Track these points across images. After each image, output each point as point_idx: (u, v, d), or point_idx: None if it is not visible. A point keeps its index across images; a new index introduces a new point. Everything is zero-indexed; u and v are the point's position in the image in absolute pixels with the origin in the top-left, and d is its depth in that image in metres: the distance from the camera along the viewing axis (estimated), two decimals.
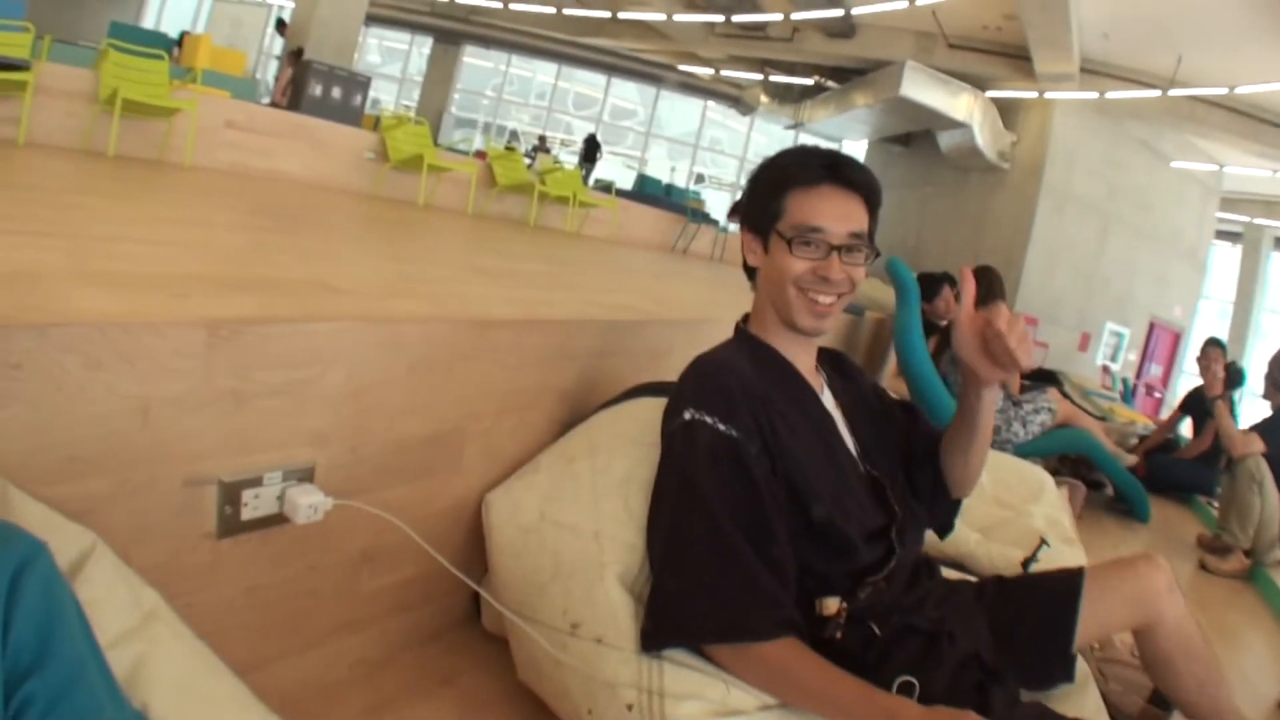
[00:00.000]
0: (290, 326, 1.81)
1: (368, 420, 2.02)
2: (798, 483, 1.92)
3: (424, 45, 32.06)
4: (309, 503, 1.82)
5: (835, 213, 1.98)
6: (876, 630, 1.89)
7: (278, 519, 1.85)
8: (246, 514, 1.79)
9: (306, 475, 1.90)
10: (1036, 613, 2.10)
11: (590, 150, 24.42)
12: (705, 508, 1.82)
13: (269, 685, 1.56)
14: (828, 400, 2.18)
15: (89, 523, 1.38)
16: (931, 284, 6.83)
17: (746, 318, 2.24)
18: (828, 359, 2.32)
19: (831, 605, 1.90)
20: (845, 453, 2.11)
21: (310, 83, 10.22)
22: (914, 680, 1.78)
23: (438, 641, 2.43)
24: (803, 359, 2.14)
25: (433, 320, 2.21)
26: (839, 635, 1.88)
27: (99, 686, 1.01)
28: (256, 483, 1.79)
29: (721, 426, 1.88)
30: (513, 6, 25.92)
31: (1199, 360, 7.97)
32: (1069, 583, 2.11)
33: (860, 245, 1.99)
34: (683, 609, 1.79)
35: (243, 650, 1.80)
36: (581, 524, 2.10)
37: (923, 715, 1.61)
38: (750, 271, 2.20)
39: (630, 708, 1.77)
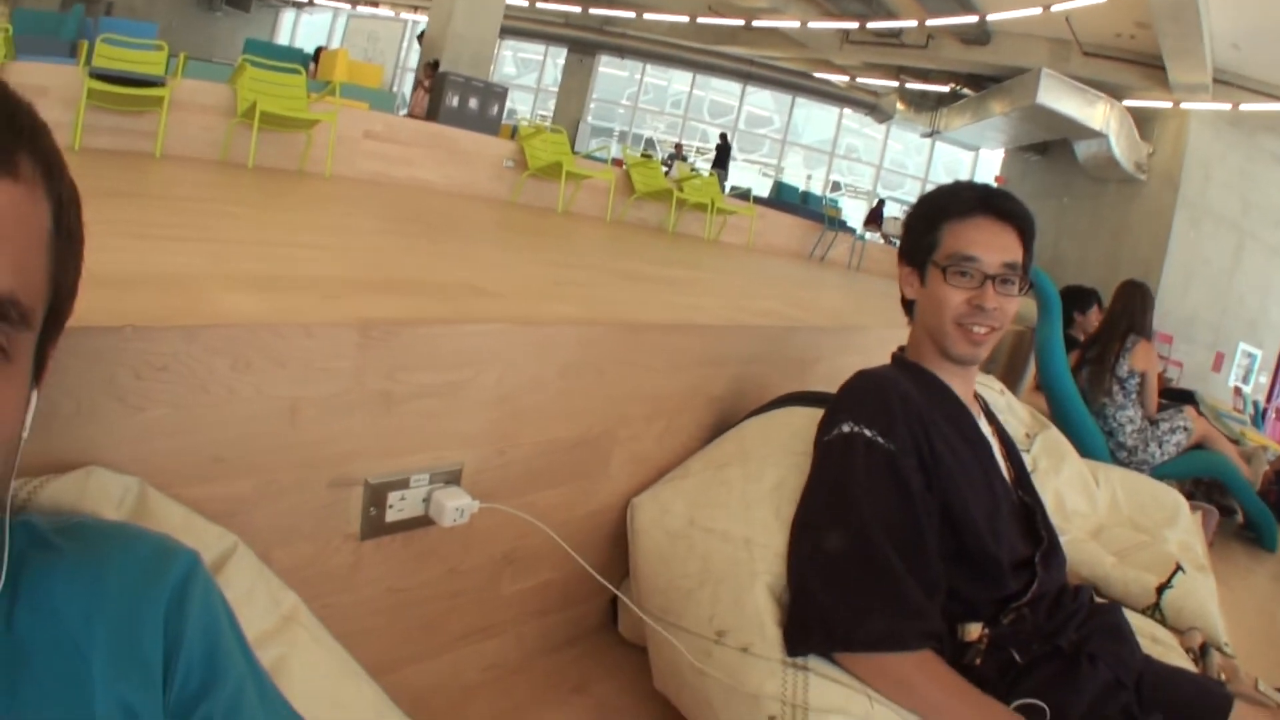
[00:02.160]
0: (443, 328, 1.80)
1: (516, 423, 2.01)
2: (953, 504, 1.92)
3: (558, 56, 32.39)
4: (455, 505, 1.81)
5: (990, 243, 2.03)
6: (1017, 657, 1.85)
7: (422, 521, 1.85)
8: (391, 516, 1.78)
9: (454, 478, 1.88)
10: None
11: (723, 154, 24.23)
12: (859, 518, 1.82)
13: (401, 687, 1.55)
14: (985, 427, 2.17)
15: (231, 524, 1.37)
16: (1085, 297, 6.66)
17: (902, 349, 2.26)
18: (979, 399, 2.33)
19: (974, 631, 1.88)
20: (1000, 479, 2.11)
21: (447, 94, 10.38)
22: (1040, 704, 1.73)
23: (572, 648, 2.40)
24: (960, 387, 2.15)
25: (585, 323, 2.21)
26: (979, 661, 1.86)
27: (256, 703, 0.98)
28: (403, 485, 1.78)
29: (880, 440, 1.89)
30: (646, 16, 26.08)
31: None
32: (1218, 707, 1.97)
33: (1014, 276, 2.04)
34: (831, 616, 1.77)
35: (378, 652, 1.78)
36: (732, 530, 2.06)
37: None
38: (908, 305, 2.23)
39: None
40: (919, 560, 1.80)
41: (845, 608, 1.75)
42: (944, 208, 2.10)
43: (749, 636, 1.84)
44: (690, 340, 2.52)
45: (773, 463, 2.20)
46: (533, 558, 2.19)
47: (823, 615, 1.77)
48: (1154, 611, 2.90)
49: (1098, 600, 2.21)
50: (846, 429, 1.92)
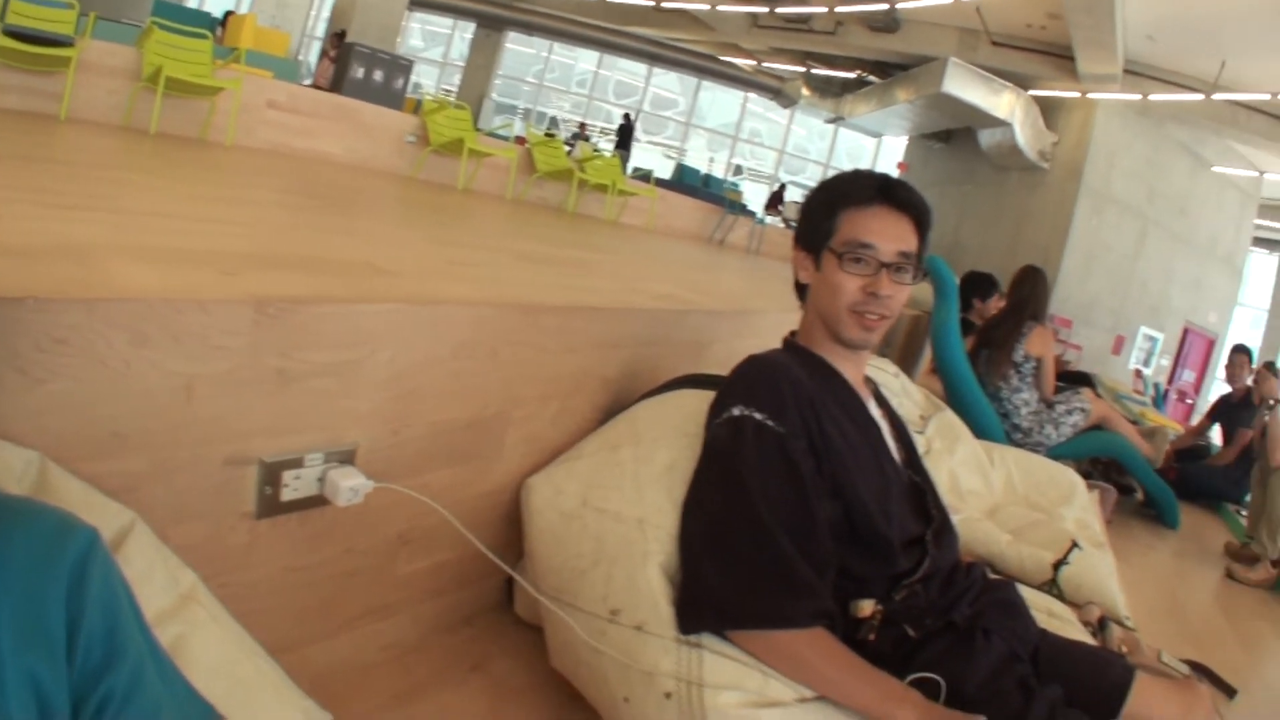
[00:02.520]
0: (339, 307, 1.80)
1: (411, 403, 2.01)
2: (843, 486, 1.95)
3: (466, 30, 32.07)
4: (350, 485, 1.81)
5: (886, 231, 2.04)
6: (911, 632, 1.90)
7: (317, 501, 1.84)
8: (286, 495, 1.78)
9: (348, 457, 1.88)
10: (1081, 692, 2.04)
11: (625, 134, 24.18)
12: (749, 500, 1.84)
13: (300, 667, 1.56)
14: (874, 410, 2.21)
15: (128, 501, 1.38)
16: (986, 284, 6.74)
17: (793, 334, 2.28)
18: (869, 382, 2.36)
19: (866, 607, 1.92)
20: (890, 460, 2.15)
21: (353, 65, 10.22)
22: (935, 677, 1.78)
23: (469, 627, 2.42)
24: (850, 371, 2.17)
25: (480, 304, 2.21)
26: (872, 637, 1.89)
27: (156, 680, 0.98)
28: (298, 464, 1.78)
29: (770, 423, 1.92)
30: None
31: (1227, 367, 7.92)
32: (1119, 678, 2.04)
33: (908, 265, 2.06)
34: (722, 595, 1.80)
35: (276, 631, 1.78)
36: (625, 511, 2.09)
37: (925, 713, 1.68)
38: (801, 289, 2.24)
39: (668, 696, 1.76)
40: (808, 540, 1.82)
41: (736, 587, 1.79)
42: (843, 195, 2.10)
43: (643, 615, 1.87)
44: (585, 322, 2.53)
45: (665, 444, 2.22)
46: (428, 538, 2.20)
47: (714, 594, 1.81)
48: (1051, 587, 2.96)
49: (992, 577, 2.26)
50: (737, 412, 1.95)
